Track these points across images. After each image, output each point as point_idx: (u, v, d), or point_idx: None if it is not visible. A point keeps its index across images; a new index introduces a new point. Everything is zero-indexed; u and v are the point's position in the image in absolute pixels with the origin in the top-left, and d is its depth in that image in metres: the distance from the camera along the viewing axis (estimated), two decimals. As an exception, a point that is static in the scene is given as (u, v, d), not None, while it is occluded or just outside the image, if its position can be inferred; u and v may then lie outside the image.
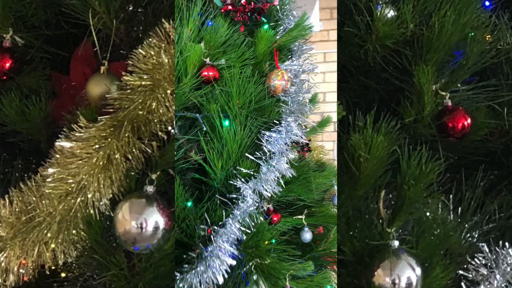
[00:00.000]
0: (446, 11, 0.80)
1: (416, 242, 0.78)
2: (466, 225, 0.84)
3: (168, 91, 0.74)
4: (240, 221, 0.61)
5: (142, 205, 0.72)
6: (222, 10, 0.68)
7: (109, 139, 0.73)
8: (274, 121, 0.71)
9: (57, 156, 0.74)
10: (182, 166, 0.63)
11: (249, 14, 0.68)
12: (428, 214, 0.81)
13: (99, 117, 0.75)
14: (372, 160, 0.75)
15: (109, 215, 0.75)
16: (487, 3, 0.92)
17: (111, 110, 0.74)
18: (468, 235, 0.84)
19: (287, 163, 0.67)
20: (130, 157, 0.74)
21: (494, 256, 0.79)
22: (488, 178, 0.88)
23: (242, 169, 0.63)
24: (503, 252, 0.78)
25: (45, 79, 0.88)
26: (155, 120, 0.74)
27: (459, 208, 0.85)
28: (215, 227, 0.60)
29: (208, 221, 0.61)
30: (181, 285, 0.59)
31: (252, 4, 0.67)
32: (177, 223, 0.64)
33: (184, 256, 0.61)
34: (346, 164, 0.77)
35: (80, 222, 0.75)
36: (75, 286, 0.83)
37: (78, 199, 0.74)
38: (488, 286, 0.77)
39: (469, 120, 0.83)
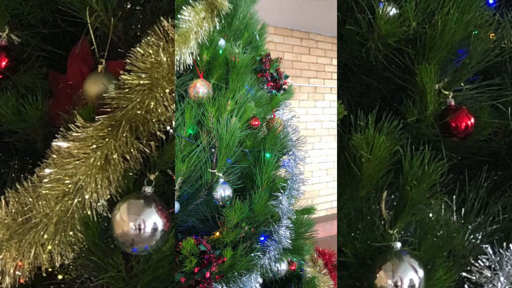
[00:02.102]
0: (449, 9, 0.79)
1: (418, 243, 0.77)
2: (470, 227, 0.83)
3: (167, 90, 0.73)
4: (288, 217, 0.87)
5: (140, 206, 0.71)
6: (267, 85, 1.04)
7: (107, 139, 0.72)
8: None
9: (54, 156, 0.73)
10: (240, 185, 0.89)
11: (277, 88, 1.06)
12: (431, 215, 0.80)
13: (96, 117, 0.74)
14: (374, 161, 0.74)
15: (106, 216, 0.75)
16: (490, 1, 0.91)
17: (109, 109, 0.73)
18: (472, 236, 0.83)
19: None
20: (128, 157, 0.73)
21: (498, 258, 0.78)
22: (492, 178, 0.87)
23: (282, 184, 0.90)
24: (507, 253, 0.77)
25: (41, 78, 0.87)
26: (154, 120, 0.73)
27: (463, 209, 0.84)
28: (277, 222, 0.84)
29: (271, 220, 0.85)
30: (263, 262, 0.81)
31: (279, 82, 1.04)
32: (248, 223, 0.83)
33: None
34: (348, 165, 0.75)
35: (77, 223, 0.74)
36: (72, 288, 0.82)
37: (75, 200, 0.73)
38: (492, 288, 0.76)
39: (472, 120, 0.82)
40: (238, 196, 0.83)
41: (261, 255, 0.81)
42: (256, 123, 0.91)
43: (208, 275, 0.67)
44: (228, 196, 0.79)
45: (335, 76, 4.29)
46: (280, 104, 1.10)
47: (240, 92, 0.85)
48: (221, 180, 0.80)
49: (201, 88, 0.78)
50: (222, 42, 0.87)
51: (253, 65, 0.94)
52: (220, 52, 0.83)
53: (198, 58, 0.81)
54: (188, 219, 0.81)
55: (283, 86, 1.06)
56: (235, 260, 0.76)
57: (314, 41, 4.03)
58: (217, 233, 0.78)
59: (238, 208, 0.78)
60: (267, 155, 0.88)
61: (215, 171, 0.80)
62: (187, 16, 0.76)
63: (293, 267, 1.02)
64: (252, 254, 0.80)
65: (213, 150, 0.80)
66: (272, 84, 1.01)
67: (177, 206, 0.76)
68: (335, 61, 4.27)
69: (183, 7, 0.77)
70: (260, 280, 0.80)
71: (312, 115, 4.10)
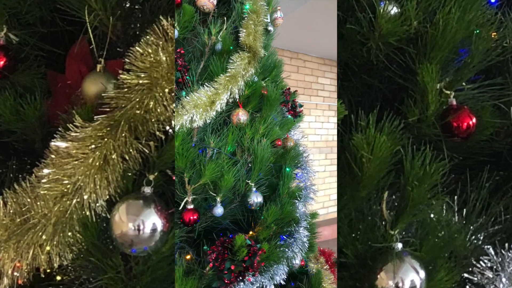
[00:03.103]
0: (451, 8, 0.78)
1: (420, 244, 0.77)
2: (471, 227, 0.82)
3: (166, 90, 0.72)
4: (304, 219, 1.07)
5: (139, 206, 0.71)
6: (288, 113, 1.23)
7: (106, 139, 0.72)
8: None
9: (52, 156, 0.73)
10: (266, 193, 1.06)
11: (295, 115, 1.25)
12: (432, 215, 0.79)
13: (95, 117, 0.74)
14: (375, 161, 0.73)
15: (105, 216, 0.74)
16: (492, 0, 0.90)
17: (108, 109, 0.73)
18: (473, 237, 0.82)
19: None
20: (127, 158, 0.73)
21: (500, 259, 0.77)
22: (493, 179, 0.86)
23: (299, 192, 1.10)
24: (509, 254, 0.77)
25: (40, 78, 0.87)
26: (153, 120, 0.72)
27: (464, 210, 0.84)
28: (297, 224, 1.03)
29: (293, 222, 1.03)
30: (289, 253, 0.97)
31: (296, 110, 1.21)
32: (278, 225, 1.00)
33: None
34: (349, 165, 0.75)
35: (76, 224, 0.73)
36: (70, 289, 0.81)
37: (74, 201, 0.72)
38: (494, 290, 0.76)
39: (474, 120, 0.81)
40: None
41: (286, 250, 0.97)
42: (279, 143, 1.12)
43: (256, 262, 0.84)
44: (259, 202, 0.96)
45: (320, 93, 4.69)
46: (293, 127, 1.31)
47: (269, 119, 1.04)
48: (253, 189, 0.96)
49: (242, 116, 0.96)
50: (255, 78, 1.04)
51: (280, 98, 1.12)
52: (253, 86, 1.02)
53: (240, 93, 0.99)
54: (223, 221, 0.95)
55: (299, 113, 1.27)
56: (269, 252, 0.92)
57: (302, 60, 4.46)
58: (251, 232, 0.94)
59: (273, 211, 0.95)
60: (287, 169, 1.07)
61: (249, 181, 0.97)
62: (235, 60, 0.93)
63: (303, 263, 1.15)
64: (281, 249, 0.96)
65: (249, 164, 0.97)
66: (292, 112, 1.22)
67: (221, 210, 0.89)
68: (320, 80, 4.67)
69: (233, 53, 0.96)
70: (287, 269, 0.95)
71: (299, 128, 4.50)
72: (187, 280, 0.80)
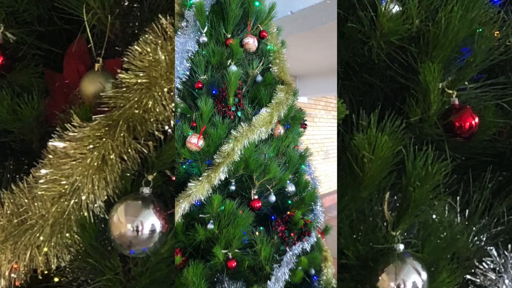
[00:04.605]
0: (453, 6, 0.78)
1: (422, 245, 0.76)
2: (474, 228, 0.82)
3: (165, 89, 0.71)
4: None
5: (138, 207, 0.70)
6: (301, 127, 1.50)
7: (104, 139, 0.71)
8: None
9: (50, 156, 0.72)
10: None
11: (304, 128, 1.54)
12: (434, 216, 0.78)
13: (93, 116, 0.73)
14: (377, 161, 0.73)
15: (103, 217, 0.73)
16: (495, -2, 0.90)
17: (106, 109, 0.72)
18: (476, 238, 0.82)
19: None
20: (126, 158, 0.72)
21: (503, 260, 0.77)
22: (496, 179, 0.86)
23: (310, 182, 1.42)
24: (512, 256, 0.76)
25: (37, 77, 0.86)
26: (152, 119, 0.72)
27: (467, 211, 0.83)
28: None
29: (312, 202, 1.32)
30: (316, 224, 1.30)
31: (305, 124, 1.55)
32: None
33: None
34: (350, 165, 0.74)
35: (74, 225, 0.73)
36: (68, 291, 0.81)
37: (72, 201, 0.71)
38: (496, 291, 0.75)
39: (476, 119, 0.80)
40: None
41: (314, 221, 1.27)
42: (298, 147, 1.43)
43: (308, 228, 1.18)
44: (293, 191, 1.25)
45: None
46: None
47: (294, 131, 1.39)
48: (288, 182, 1.25)
49: (282, 130, 1.26)
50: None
51: (302, 117, 1.47)
52: (290, 109, 1.34)
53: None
54: (264, 208, 1.21)
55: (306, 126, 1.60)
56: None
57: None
58: (288, 212, 1.20)
59: (310, 194, 1.26)
60: (303, 166, 1.38)
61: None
62: (278, 91, 1.23)
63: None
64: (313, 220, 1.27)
65: (287, 164, 1.27)
66: (304, 126, 1.53)
67: (274, 198, 1.18)
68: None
69: (273, 84, 1.28)
70: (315, 234, 1.25)
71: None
72: (266, 247, 1.07)
